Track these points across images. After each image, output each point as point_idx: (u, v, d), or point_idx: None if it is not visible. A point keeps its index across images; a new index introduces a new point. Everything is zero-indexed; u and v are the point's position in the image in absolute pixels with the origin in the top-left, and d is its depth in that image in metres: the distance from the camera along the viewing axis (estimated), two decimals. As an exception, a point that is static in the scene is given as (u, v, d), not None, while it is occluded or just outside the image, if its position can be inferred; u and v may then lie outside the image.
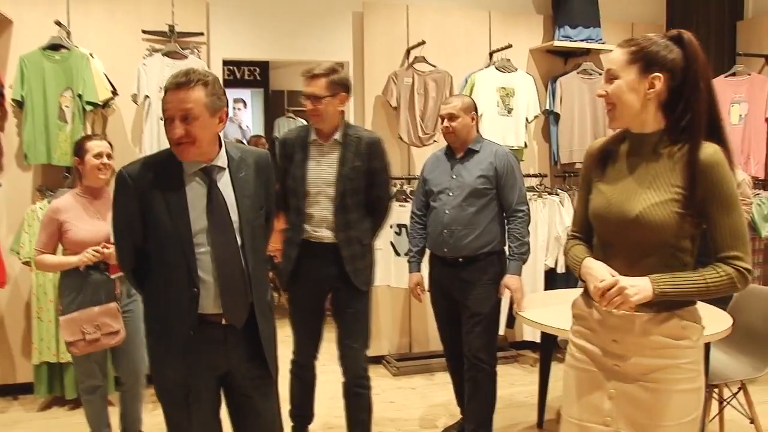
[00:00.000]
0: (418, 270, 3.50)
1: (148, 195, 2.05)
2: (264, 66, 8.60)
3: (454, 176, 3.33)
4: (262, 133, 8.50)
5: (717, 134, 1.78)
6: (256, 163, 2.21)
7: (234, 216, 2.11)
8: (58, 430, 3.75)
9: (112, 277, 3.03)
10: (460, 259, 3.30)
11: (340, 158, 3.01)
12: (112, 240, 2.83)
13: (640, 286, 1.73)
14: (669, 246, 1.78)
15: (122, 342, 3.05)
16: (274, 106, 8.77)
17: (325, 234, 3.03)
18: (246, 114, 8.94)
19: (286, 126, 8.22)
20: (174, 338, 2.11)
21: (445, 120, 3.33)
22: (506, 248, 3.36)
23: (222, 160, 2.12)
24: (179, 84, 1.98)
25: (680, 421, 1.79)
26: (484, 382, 3.32)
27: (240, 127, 8.74)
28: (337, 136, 3.04)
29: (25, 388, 4.14)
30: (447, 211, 3.30)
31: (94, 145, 3.06)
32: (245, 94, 8.86)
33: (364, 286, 3.10)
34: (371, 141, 3.07)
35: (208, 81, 2.02)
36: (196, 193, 2.07)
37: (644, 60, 1.76)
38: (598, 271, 1.82)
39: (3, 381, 4.19)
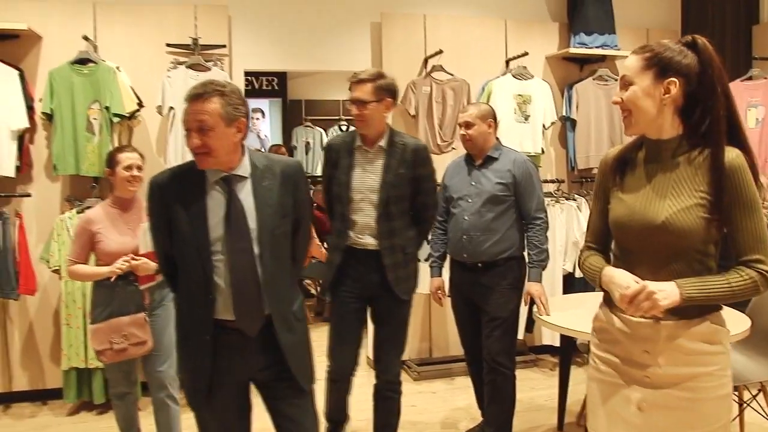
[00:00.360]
0: (440, 275, 3.56)
1: (173, 203, 2.12)
2: (282, 76, 8.70)
3: (473, 183, 3.38)
4: (280, 142, 8.61)
5: (737, 138, 1.78)
6: (283, 172, 2.22)
7: (253, 224, 2.13)
8: (88, 433, 3.84)
9: (141, 287, 3.05)
10: (480, 265, 3.35)
11: (385, 165, 3.00)
12: (140, 251, 2.99)
13: (668, 291, 1.71)
14: (695, 251, 1.77)
15: (149, 352, 3.08)
16: (292, 115, 8.86)
17: (369, 241, 3.02)
18: (264, 123, 9.05)
19: (304, 135, 8.32)
20: (193, 343, 2.16)
21: (463, 128, 3.39)
22: (525, 254, 3.41)
23: (243, 169, 2.15)
24: (196, 95, 2.05)
25: (712, 427, 1.79)
26: (503, 385, 3.37)
27: (258, 137, 8.84)
28: (382, 142, 3.03)
29: (54, 394, 4.24)
30: (466, 218, 3.36)
31: (125, 157, 3.10)
32: (263, 103, 8.96)
33: (405, 295, 3.09)
34: (416, 148, 3.06)
35: (224, 92, 2.06)
36: (216, 202, 2.11)
37: (659, 65, 1.76)
38: (622, 278, 1.80)
39: (32, 386, 4.29)
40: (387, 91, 2.99)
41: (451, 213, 3.46)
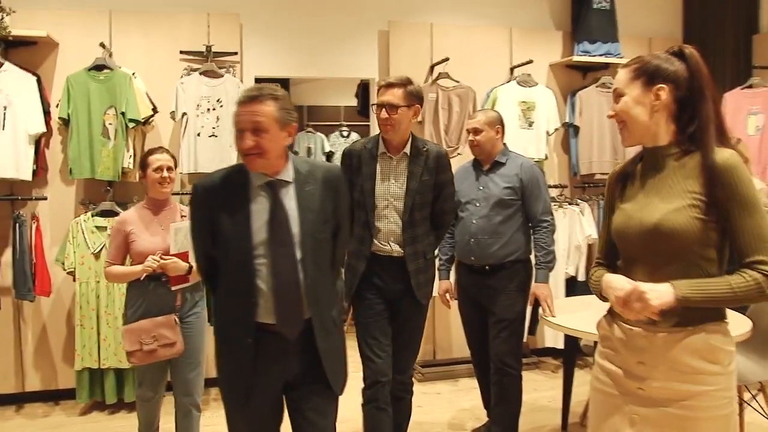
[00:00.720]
0: (447, 278, 3.63)
1: (217, 206, 2.14)
2: (284, 82, 8.76)
3: (481, 187, 3.46)
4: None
5: (724, 143, 1.79)
6: (325, 178, 2.24)
7: (295, 229, 2.14)
8: (101, 431, 3.91)
9: (173, 288, 3.04)
10: (487, 267, 3.43)
11: (409, 172, 2.99)
12: (171, 251, 3.00)
13: (661, 291, 1.69)
14: (692, 254, 1.75)
15: (180, 354, 3.04)
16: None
17: (393, 248, 3.03)
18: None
19: (306, 140, 8.37)
20: (234, 345, 2.17)
21: (471, 134, 3.47)
22: (531, 257, 3.50)
23: (287, 174, 2.17)
24: (252, 97, 2.07)
25: None
26: (510, 386, 3.45)
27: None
28: (407, 149, 3.01)
29: (66, 394, 4.33)
30: (474, 221, 3.43)
31: (155, 159, 3.10)
32: (267, 109, 9.04)
33: (425, 299, 3.12)
34: (439, 154, 3.06)
35: (278, 96, 2.09)
36: (260, 206, 2.13)
37: (646, 74, 1.80)
38: (617, 282, 1.80)
39: (45, 387, 4.37)
40: (416, 97, 2.98)
41: (459, 217, 3.52)
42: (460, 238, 3.53)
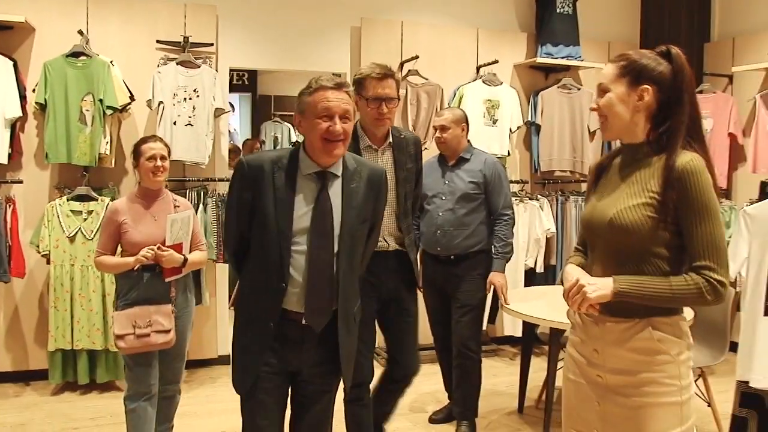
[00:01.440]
0: None
1: (261, 186, 2.11)
2: (252, 72, 8.85)
3: (447, 182, 3.63)
4: (249, 135, 8.76)
5: (700, 146, 1.81)
6: (369, 177, 2.24)
7: (336, 223, 2.14)
8: (72, 412, 4.00)
9: (167, 280, 2.99)
10: (452, 257, 3.61)
11: (395, 161, 2.95)
12: (166, 243, 2.95)
13: (600, 285, 1.76)
14: (644, 252, 1.78)
15: (171, 345, 2.98)
16: (261, 110, 9.02)
17: (390, 243, 2.96)
18: (234, 118, 9.19)
19: (272, 130, 8.47)
20: (255, 328, 2.16)
21: (438, 131, 3.61)
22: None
23: (337, 168, 2.17)
24: (340, 84, 2.10)
25: None
26: (471, 369, 3.65)
27: (228, 131, 8.97)
28: (389, 138, 2.95)
29: (38, 375, 4.39)
30: (440, 214, 3.60)
31: (148, 148, 3.04)
32: (234, 98, 9.07)
33: (419, 287, 3.15)
34: (416, 140, 3.06)
35: (350, 90, 2.16)
36: (305, 194, 2.13)
37: (633, 73, 1.81)
38: (571, 273, 1.87)
39: (17, 368, 4.43)
40: (399, 87, 2.96)
41: (425, 209, 3.65)
42: (426, 230, 3.66)
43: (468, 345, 3.62)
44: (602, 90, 1.87)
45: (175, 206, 3.11)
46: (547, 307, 3.61)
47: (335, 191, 2.16)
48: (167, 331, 2.94)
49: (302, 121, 2.13)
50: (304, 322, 2.14)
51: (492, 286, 3.59)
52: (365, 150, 2.94)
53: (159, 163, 3.04)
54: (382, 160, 2.93)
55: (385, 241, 2.93)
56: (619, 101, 1.83)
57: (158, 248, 2.91)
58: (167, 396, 3.17)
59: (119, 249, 3.08)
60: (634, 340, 1.81)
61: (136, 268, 2.92)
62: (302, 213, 2.11)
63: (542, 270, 5.24)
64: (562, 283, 1.98)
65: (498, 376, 4.77)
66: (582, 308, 1.78)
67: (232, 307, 2.43)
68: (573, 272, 1.88)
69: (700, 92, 5.32)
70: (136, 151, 3.08)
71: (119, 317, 2.93)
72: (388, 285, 2.98)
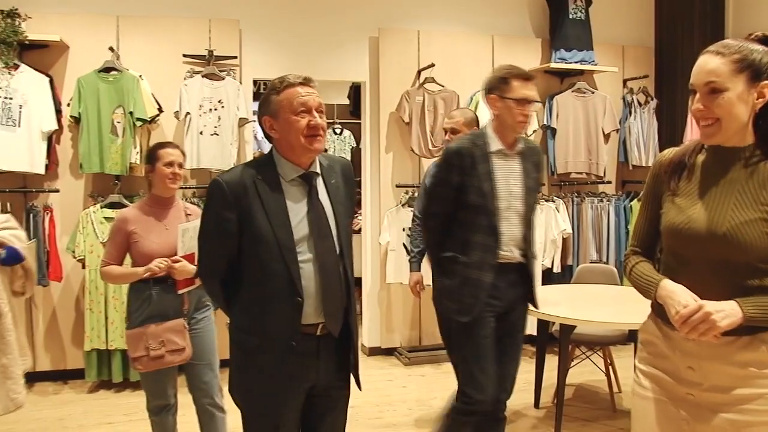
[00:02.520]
0: (419, 269, 3.74)
1: (247, 203, 1.98)
2: (279, 81, 9.04)
3: None
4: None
5: None
6: (343, 172, 2.19)
7: (332, 222, 2.08)
8: (107, 408, 4.21)
9: (180, 292, 2.87)
10: None
11: (523, 169, 2.82)
12: (178, 253, 2.84)
13: (728, 311, 1.57)
14: (753, 268, 1.62)
15: (189, 359, 2.89)
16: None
17: (515, 253, 2.81)
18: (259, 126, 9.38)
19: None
20: (276, 351, 2.02)
21: (448, 133, 3.56)
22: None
23: (316, 167, 2.09)
24: (307, 80, 2.04)
25: None
26: None
27: (255, 138, 9.16)
28: (520, 145, 2.84)
29: (75, 374, 4.62)
30: None
31: (166, 153, 2.91)
32: (260, 106, 9.29)
33: (536, 303, 2.99)
34: (537, 151, 2.93)
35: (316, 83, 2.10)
36: (295, 200, 2.03)
37: (751, 68, 1.59)
38: (681, 296, 1.65)
39: (54, 367, 4.66)
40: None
41: None
42: None
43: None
44: (713, 89, 1.61)
45: (187, 215, 3.00)
46: (562, 305, 3.68)
47: (322, 191, 2.10)
48: (182, 350, 2.84)
49: (275, 123, 2.02)
50: (319, 333, 2.06)
51: None
52: (496, 155, 2.77)
53: (176, 170, 2.92)
54: (511, 167, 2.81)
55: (511, 251, 2.80)
56: (740, 101, 1.60)
57: (173, 260, 2.81)
58: (206, 412, 3.01)
59: (128, 260, 3.00)
60: (739, 354, 1.65)
61: (146, 277, 2.81)
62: (298, 220, 2.02)
63: (559, 270, 5.34)
64: (654, 300, 1.77)
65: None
66: (706, 336, 1.59)
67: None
68: (684, 295, 1.66)
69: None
70: (153, 156, 2.94)
71: (131, 338, 2.83)
72: (508, 297, 2.83)
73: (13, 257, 2.86)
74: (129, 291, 2.94)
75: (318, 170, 2.10)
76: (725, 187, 1.67)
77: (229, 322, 2.18)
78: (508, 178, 2.79)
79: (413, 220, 3.80)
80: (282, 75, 2.05)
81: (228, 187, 1.99)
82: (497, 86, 2.75)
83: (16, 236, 2.90)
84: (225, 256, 2.05)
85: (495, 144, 2.77)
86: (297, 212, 2.03)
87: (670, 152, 1.85)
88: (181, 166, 2.96)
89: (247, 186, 1.99)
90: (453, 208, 2.81)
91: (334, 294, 2.06)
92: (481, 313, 2.77)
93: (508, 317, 2.87)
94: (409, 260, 3.77)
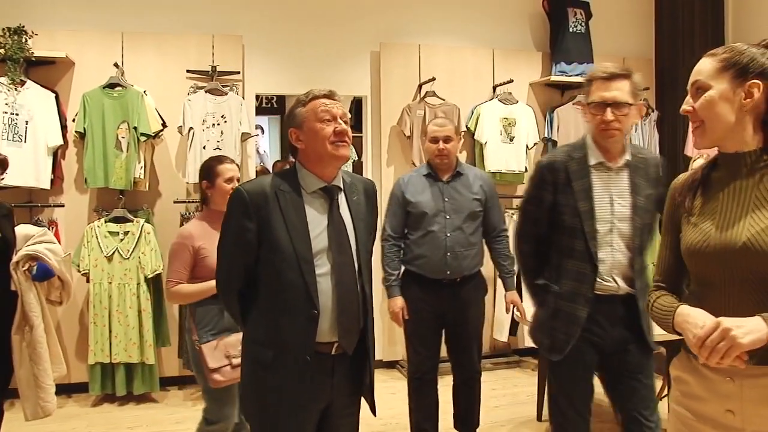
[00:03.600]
0: (400, 293, 3.41)
1: (267, 213, 1.97)
2: (281, 96, 9.11)
3: (447, 199, 3.34)
4: (279, 157, 9.01)
5: None
6: (365, 189, 2.18)
7: (351, 238, 2.06)
8: (111, 422, 4.23)
9: None
10: (458, 280, 3.36)
11: (632, 185, 2.42)
12: None
13: (750, 326, 1.39)
14: None
15: None
16: (290, 132, 9.25)
17: (620, 284, 2.41)
18: (264, 140, 9.46)
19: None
20: (292, 365, 1.98)
21: (441, 142, 3.30)
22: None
23: (339, 181, 2.09)
24: (331, 92, 2.06)
25: None
26: (479, 388, 3.61)
27: (258, 152, 9.22)
28: (626, 156, 2.44)
29: (79, 388, 4.63)
30: (448, 234, 3.31)
31: (225, 169, 2.86)
32: (263, 120, 9.36)
33: (654, 345, 2.49)
34: (657, 162, 2.49)
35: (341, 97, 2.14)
36: (316, 213, 2.02)
37: (738, 66, 1.52)
38: (698, 318, 1.50)
39: (59, 381, 4.60)
40: (639, 93, 2.39)
41: (423, 231, 3.35)
42: (431, 253, 3.33)
43: (478, 368, 3.55)
44: (698, 88, 1.57)
45: None
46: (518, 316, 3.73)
47: (343, 206, 2.09)
48: None
49: (300, 134, 2.03)
50: (334, 351, 2.03)
51: (512, 306, 3.53)
52: (595, 168, 2.42)
53: (236, 185, 2.74)
54: (616, 182, 2.43)
55: (614, 281, 2.41)
56: (722, 100, 1.53)
57: None
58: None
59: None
60: None
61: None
62: (318, 233, 2.00)
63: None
64: (675, 332, 1.61)
65: (519, 386, 4.88)
66: (727, 359, 1.40)
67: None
68: (700, 315, 1.51)
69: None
70: (212, 172, 2.88)
71: (210, 350, 2.75)
72: (613, 335, 2.44)
73: (44, 274, 2.97)
74: (193, 306, 2.85)
75: (341, 185, 2.10)
76: (737, 197, 1.57)
77: (242, 336, 2.16)
78: (611, 195, 2.42)
79: (386, 240, 3.44)
80: (307, 90, 2.08)
81: (249, 196, 1.98)
82: (585, 90, 2.43)
83: (51, 250, 3.00)
84: (243, 266, 2.04)
85: (594, 156, 2.41)
86: (317, 225, 2.02)
87: (681, 177, 1.75)
88: (238, 180, 2.93)
89: (268, 196, 1.99)
90: (547, 230, 2.50)
91: (350, 311, 2.03)
92: (578, 351, 2.44)
93: (626, 358, 2.46)
94: (389, 285, 3.41)
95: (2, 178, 3.23)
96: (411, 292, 3.39)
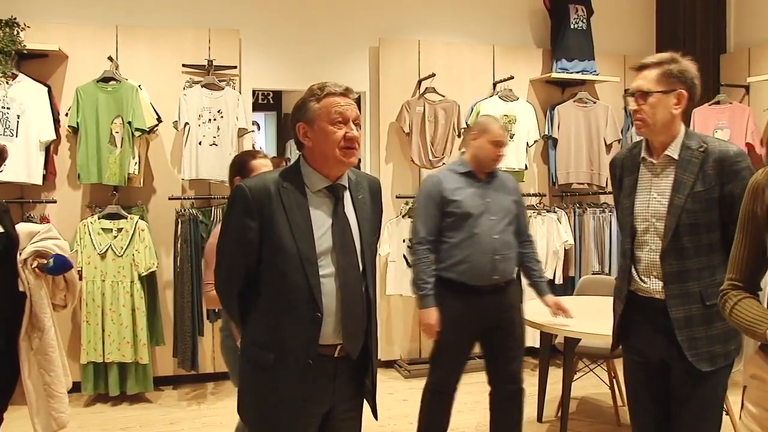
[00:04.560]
0: (434, 304, 3.12)
1: (269, 211, 1.90)
2: (277, 91, 9.04)
3: (488, 199, 3.17)
4: (275, 153, 8.93)
5: None
6: (370, 187, 2.11)
7: (356, 239, 2.00)
8: (104, 422, 4.15)
9: None
10: (502, 284, 3.18)
11: (675, 181, 2.24)
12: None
13: None
14: None
15: None
16: (286, 128, 9.17)
17: (653, 286, 2.29)
18: (260, 136, 9.38)
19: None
20: (293, 369, 1.92)
21: (502, 148, 3.18)
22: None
23: (344, 180, 2.01)
24: (347, 90, 1.97)
25: None
26: (522, 401, 3.32)
27: (254, 148, 9.14)
28: (672, 150, 2.27)
29: (71, 387, 4.52)
30: (495, 236, 3.12)
31: (260, 164, 2.75)
32: (259, 117, 9.28)
33: (706, 363, 2.19)
34: (724, 155, 2.20)
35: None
36: (320, 212, 1.95)
37: None
38: None
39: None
40: (680, 79, 2.22)
41: (467, 233, 3.11)
42: (477, 257, 3.10)
43: (521, 377, 3.30)
44: None
45: None
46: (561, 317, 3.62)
47: (348, 205, 2.02)
48: None
49: (309, 131, 1.94)
50: (337, 354, 1.97)
51: (558, 309, 3.32)
52: (644, 163, 2.34)
53: None
54: (659, 179, 2.29)
55: (649, 282, 2.30)
56: None
57: None
58: None
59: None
60: None
61: None
62: (322, 233, 1.94)
63: (561, 281, 5.29)
64: (762, 339, 1.55)
65: (518, 387, 4.81)
66: None
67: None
68: None
69: (717, 103, 5.36)
70: (245, 168, 2.75)
71: None
72: (652, 345, 2.31)
73: (62, 265, 2.79)
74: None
75: (346, 184, 2.02)
76: None
77: (241, 338, 2.09)
78: (651, 191, 2.31)
79: (419, 244, 3.16)
80: (321, 82, 1.98)
81: (251, 193, 1.91)
82: None
83: (59, 246, 2.87)
84: (245, 266, 1.97)
85: (644, 151, 2.33)
86: (321, 224, 1.95)
87: (763, 170, 1.66)
88: None
89: (271, 194, 1.91)
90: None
91: (355, 313, 1.97)
92: (627, 353, 2.41)
93: (670, 377, 2.27)
94: (425, 294, 3.11)
95: (1, 170, 3.12)
96: (446, 301, 3.11)
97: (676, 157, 2.26)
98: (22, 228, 2.89)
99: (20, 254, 2.77)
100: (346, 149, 1.93)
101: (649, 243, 2.28)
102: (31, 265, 2.76)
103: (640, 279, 2.31)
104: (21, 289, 2.76)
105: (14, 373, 2.80)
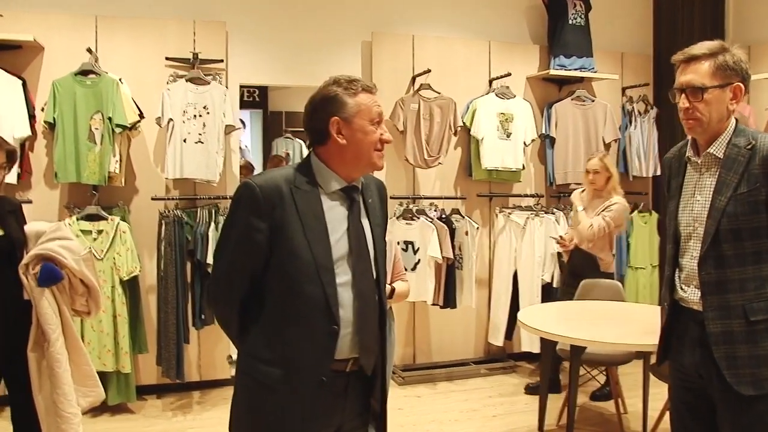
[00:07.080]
0: None
1: (281, 214, 1.73)
2: (263, 88, 8.84)
3: None
4: (260, 152, 8.73)
5: None
6: (378, 190, 1.98)
7: (369, 244, 1.86)
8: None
9: None
10: None
11: (720, 182, 2.03)
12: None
13: None
14: None
15: None
16: (272, 126, 9.00)
17: (692, 296, 2.10)
18: (245, 134, 9.17)
19: (284, 146, 8.43)
20: (302, 387, 1.75)
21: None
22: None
23: (358, 182, 1.88)
24: (374, 87, 1.88)
25: None
26: None
27: (239, 147, 8.94)
28: (715, 148, 2.07)
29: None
30: None
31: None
32: (245, 115, 9.07)
33: (748, 388, 1.97)
34: (753, 150, 2.01)
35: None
36: (335, 216, 1.80)
37: None
38: None
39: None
40: (734, 71, 2.01)
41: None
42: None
43: None
44: None
45: None
46: (566, 323, 3.51)
47: (361, 209, 1.89)
48: None
49: (344, 128, 1.77)
50: (349, 369, 1.82)
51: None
52: (690, 164, 2.16)
53: None
54: (702, 177, 2.11)
55: (690, 293, 2.12)
56: None
57: None
58: None
59: None
60: None
61: None
62: (337, 238, 1.79)
63: (558, 285, 5.13)
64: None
65: (516, 394, 4.67)
66: None
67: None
68: None
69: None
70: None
71: None
72: (689, 357, 2.14)
73: (49, 276, 2.55)
74: None
75: (360, 186, 1.89)
76: None
77: (237, 353, 1.90)
78: (694, 193, 2.12)
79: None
80: (340, 75, 1.83)
81: (262, 192, 1.74)
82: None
83: (67, 247, 2.62)
84: (249, 272, 1.79)
85: (689, 150, 2.14)
86: (336, 228, 1.79)
87: None
88: None
89: (283, 194, 1.75)
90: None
91: (370, 325, 1.84)
92: (673, 369, 2.21)
93: (712, 398, 2.06)
94: None
95: (8, 173, 2.89)
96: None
97: (720, 155, 2.05)
98: (31, 228, 2.70)
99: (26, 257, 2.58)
100: (378, 151, 1.82)
101: (691, 250, 2.10)
102: (32, 270, 2.56)
103: (681, 288, 2.14)
104: (26, 297, 2.56)
105: (24, 391, 2.60)
